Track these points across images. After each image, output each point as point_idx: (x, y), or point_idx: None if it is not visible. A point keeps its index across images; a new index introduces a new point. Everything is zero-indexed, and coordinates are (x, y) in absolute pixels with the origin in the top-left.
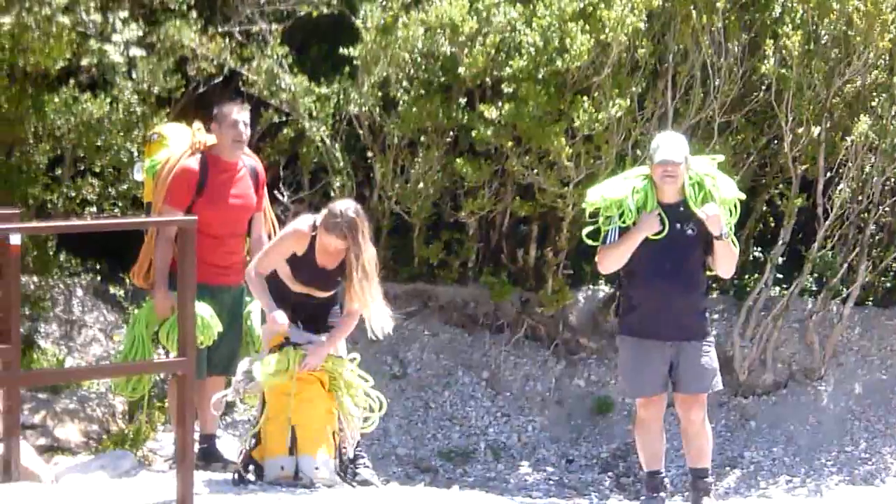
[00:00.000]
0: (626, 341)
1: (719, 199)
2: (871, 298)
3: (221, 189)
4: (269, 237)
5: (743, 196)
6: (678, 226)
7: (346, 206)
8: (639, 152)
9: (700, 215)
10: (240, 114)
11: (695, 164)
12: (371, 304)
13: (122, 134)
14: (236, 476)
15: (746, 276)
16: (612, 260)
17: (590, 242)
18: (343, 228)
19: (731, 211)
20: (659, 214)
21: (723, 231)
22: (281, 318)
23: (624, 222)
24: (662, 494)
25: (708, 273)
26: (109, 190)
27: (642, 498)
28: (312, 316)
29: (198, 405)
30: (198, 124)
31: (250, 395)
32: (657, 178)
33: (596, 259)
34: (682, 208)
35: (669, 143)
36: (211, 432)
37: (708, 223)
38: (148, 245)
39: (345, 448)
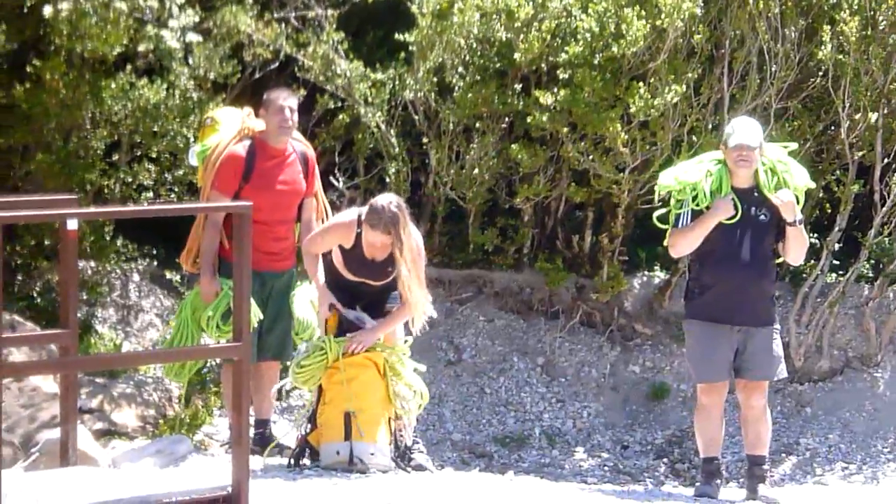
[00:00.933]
0: (694, 325)
1: (793, 185)
2: None
3: (269, 175)
4: (322, 222)
5: (813, 185)
6: (752, 211)
7: (388, 200)
8: (694, 138)
9: (774, 201)
10: (287, 100)
11: (767, 151)
12: (415, 295)
13: (178, 119)
14: (292, 461)
15: (802, 263)
16: (685, 243)
17: (660, 225)
18: (386, 223)
19: (797, 198)
20: (732, 199)
21: (797, 217)
22: (325, 306)
23: (698, 205)
24: (718, 481)
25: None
26: (166, 175)
27: (697, 484)
28: (371, 302)
29: (253, 390)
30: (247, 109)
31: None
32: (732, 162)
33: (667, 242)
34: (755, 193)
35: (745, 128)
36: (266, 417)
37: (782, 209)
38: (196, 230)
39: (402, 434)
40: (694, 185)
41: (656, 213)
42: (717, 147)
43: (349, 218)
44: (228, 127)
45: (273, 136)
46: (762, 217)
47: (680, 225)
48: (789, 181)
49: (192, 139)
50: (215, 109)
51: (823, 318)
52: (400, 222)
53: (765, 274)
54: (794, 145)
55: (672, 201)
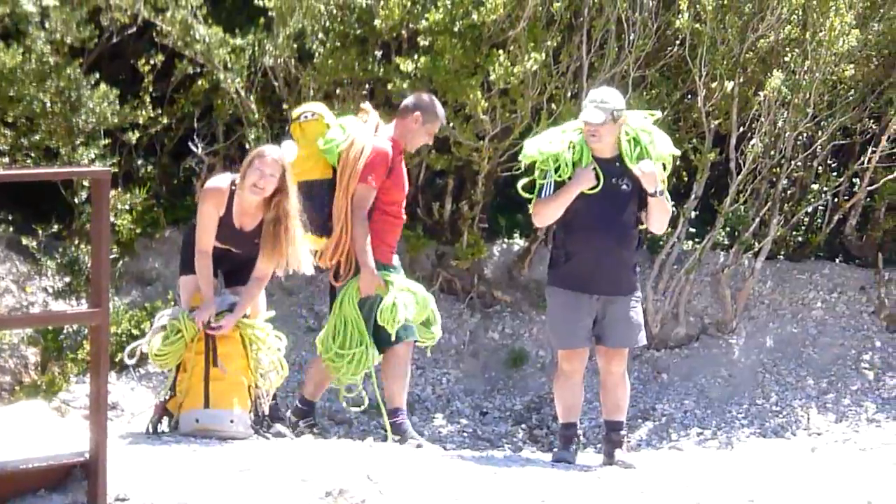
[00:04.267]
0: (556, 293)
1: (655, 155)
2: (782, 252)
3: (400, 172)
4: None
5: (678, 152)
6: (613, 181)
7: (274, 148)
8: (554, 106)
9: (635, 172)
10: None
11: (630, 119)
12: (298, 245)
13: (34, 84)
14: (150, 427)
15: None
16: (548, 213)
17: (523, 195)
18: (276, 160)
19: (664, 166)
20: (594, 169)
21: (657, 188)
22: (202, 315)
23: (560, 176)
24: (575, 447)
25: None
26: (22, 140)
27: (555, 450)
28: (235, 269)
29: (389, 375)
30: (368, 105)
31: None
32: (585, 136)
33: (531, 212)
34: (617, 164)
35: (592, 104)
36: (398, 405)
37: (643, 180)
38: (342, 232)
39: (261, 402)
40: (556, 156)
41: (521, 183)
42: (576, 115)
43: (223, 183)
44: (333, 119)
45: (412, 143)
46: (624, 187)
47: (543, 195)
48: (651, 151)
49: (284, 135)
50: (308, 103)
51: (680, 285)
52: (287, 169)
53: (625, 243)
54: (658, 114)
55: (536, 171)
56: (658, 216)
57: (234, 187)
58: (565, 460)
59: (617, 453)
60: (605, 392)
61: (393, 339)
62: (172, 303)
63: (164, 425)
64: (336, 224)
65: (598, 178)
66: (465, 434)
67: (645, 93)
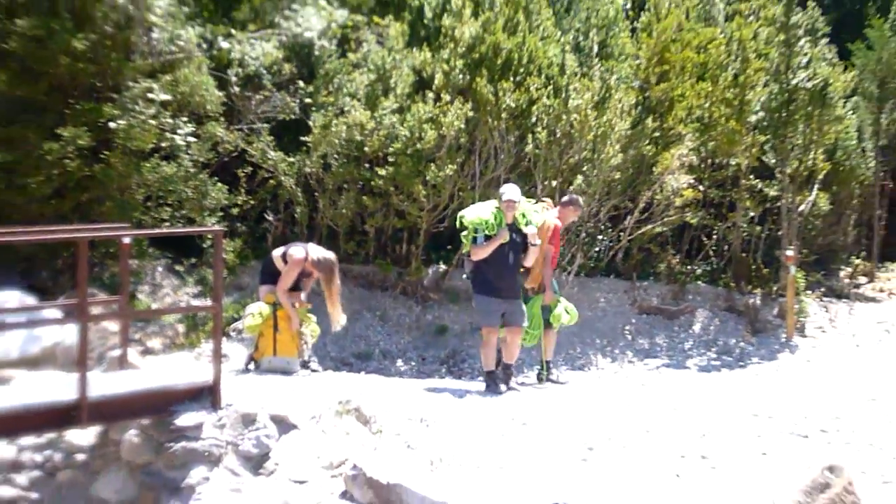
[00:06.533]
0: (481, 297)
1: (535, 224)
2: (583, 272)
3: (559, 237)
4: None
5: (548, 223)
6: (513, 235)
7: (329, 255)
8: (461, 194)
9: (525, 231)
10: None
11: (523, 204)
12: (337, 311)
13: (182, 183)
14: (244, 367)
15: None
16: (482, 253)
17: (464, 242)
18: (331, 268)
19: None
20: (508, 230)
21: (535, 241)
22: (294, 324)
23: (488, 231)
24: (495, 384)
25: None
26: (175, 213)
27: (482, 384)
28: (294, 283)
29: (549, 344)
30: (548, 199)
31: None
32: (504, 209)
33: (469, 251)
34: (515, 226)
35: (510, 191)
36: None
37: (529, 237)
38: (539, 267)
39: (304, 352)
40: (486, 221)
41: (463, 233)
42: (477, 200)
43: (301, 255)
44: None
45: (565, 221)
46: (517, 239)
47: (478, 242)
48: (533, 221)
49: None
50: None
51: None
52: (336, 268)
53: (516, 271)
54: (544, 202)
55: (470, 228)
56: (531, 255)
57: (306, 258)
58: (491, 392)
59: (511, 382)
60: (507, 349)
61: (554, 328)
62: (256, 299)
63: (251, 366)
64: (536, 266)
65: (509, 234)
66: (413, 371)
67: None
